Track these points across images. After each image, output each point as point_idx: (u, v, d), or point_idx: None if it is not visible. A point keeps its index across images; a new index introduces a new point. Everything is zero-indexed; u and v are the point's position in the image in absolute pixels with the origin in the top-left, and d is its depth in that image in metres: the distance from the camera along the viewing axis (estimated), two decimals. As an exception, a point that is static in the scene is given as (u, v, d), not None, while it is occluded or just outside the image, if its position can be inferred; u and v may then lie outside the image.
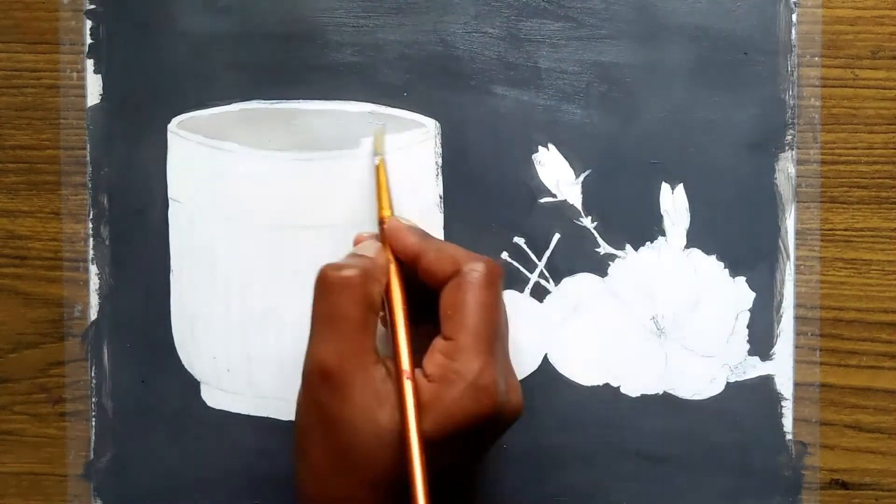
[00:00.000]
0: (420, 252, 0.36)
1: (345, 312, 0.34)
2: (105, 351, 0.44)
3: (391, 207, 0.40)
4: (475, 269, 0.35)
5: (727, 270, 0.43)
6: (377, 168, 0.40)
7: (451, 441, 0.34)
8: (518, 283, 0.43)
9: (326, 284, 0.35)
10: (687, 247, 0.43)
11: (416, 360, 0.35)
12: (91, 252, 0.44)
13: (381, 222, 0.39)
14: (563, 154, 0.43)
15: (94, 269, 0.44)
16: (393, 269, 0.37)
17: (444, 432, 0.33)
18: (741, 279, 0.43)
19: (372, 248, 0.37)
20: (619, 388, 0.43)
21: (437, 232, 0.43)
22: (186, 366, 0.44)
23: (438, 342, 0.35)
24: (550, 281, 0.43)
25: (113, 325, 0.44)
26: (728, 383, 0.43)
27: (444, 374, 0.34)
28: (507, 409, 0.35)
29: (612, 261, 0.43)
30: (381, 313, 0.37)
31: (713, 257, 0.43)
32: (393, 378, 0.34)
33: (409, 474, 0.32)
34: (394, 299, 0.36)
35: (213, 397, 0.44)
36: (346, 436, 0.34)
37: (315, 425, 0.35)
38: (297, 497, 0.36)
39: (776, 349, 0.43)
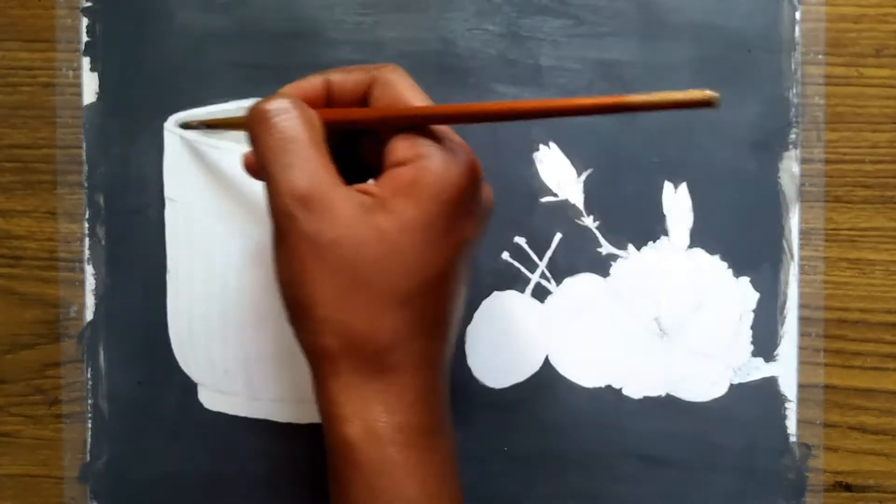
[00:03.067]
0: (327, 79, 0.35)
1: (295, 134, 0.32)
2: (101, 352, 0.44)
3: None
4: (391, 68, 0.34)
5: (730, 270, 0.43)
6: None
7: (452, 215, 0.32)
8: (519, 283, 0.43)
9: (263, 116, 0.33)
10: (690, 247, 0.43)
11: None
12: (87, 252, 0.44)
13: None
14: (564, 153, 0.43)
15: (90, 269, 0.44)
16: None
17: (443, 203, 0.32)
18: (745, 279, 0.43)
19: (286, 89, 0.35)
20: (621, 389, 0.43)
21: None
22: (183, 367, 0.43)
23: (392, 140, 0.33)
24: (552, 281, 0.43)
25: (109, 325, 0.44)
26: (731, 385, 0.43)
27: (415, 152, 0.32)
28: (481, 180, 0.34)
29: (615, 261, 0.43)
30: None
31: (716, 257, 0.43)
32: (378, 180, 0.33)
33: None
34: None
35: (211, 399, 0.43)
36: (352, 256, 0.31)
37: (308, 260, 0.32)
38: (320, 365, 0.33)
39: (780, 350, 0.43)
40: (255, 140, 0.33)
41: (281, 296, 0.33)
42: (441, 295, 0.33)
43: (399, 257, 0.31)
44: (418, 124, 0.33)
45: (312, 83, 0.35)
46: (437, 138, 0.32)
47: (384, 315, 0.32)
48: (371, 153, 0.35)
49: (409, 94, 0.33)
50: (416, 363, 0.32)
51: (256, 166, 0.33)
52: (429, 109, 0.33)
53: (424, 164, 0.32)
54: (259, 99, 0.33)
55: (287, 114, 0.32)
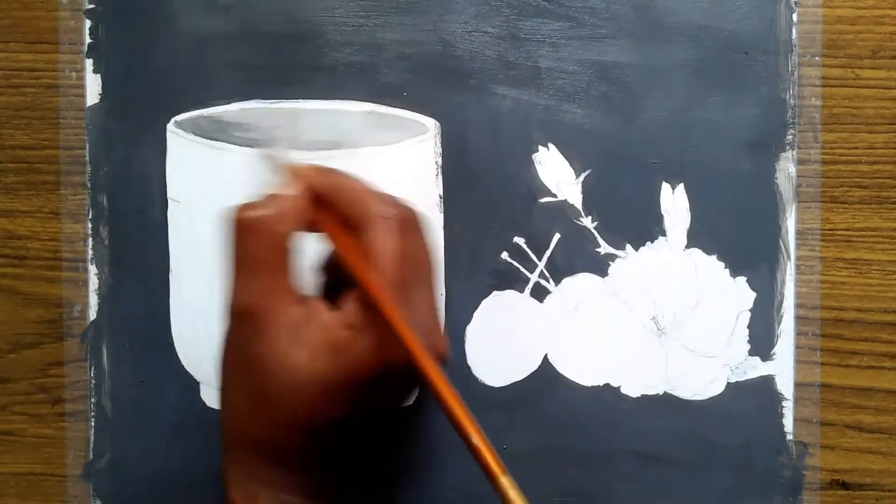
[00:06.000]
0: (334, 192, 0.35)
1: (257, 253, 0.33)
2: (104, 351, 0.44)
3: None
4: (386, 216, 0.34)
5: (728, 270, 0.43)
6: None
7: (366, 387, 0.33)
8: (518, 283, 0.43)
9: (238, 225, 0.34)
10: (687, 247, 0.43)
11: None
12: (90, 252, 0.44)
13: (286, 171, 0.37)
14: (563, 154, 0.43)
15: (93, 269, 0.44)
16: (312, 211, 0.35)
17: (355, 379, 0.33)
18: (742, 279, 0.43)
19: (289, 188, 0.35)
20: (619, 388, 0.43)
21: (437, 232, 0.43)
22: (186, 366, 0.44)
23: (353, 296, 0.34)
24: (551, 281, 0.43)
25: (112, 325, 0.44)
26: (728, 383, 0.43)
27: (357, 321, 0.33)
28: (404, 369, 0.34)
29: (613, 261, 0.43)
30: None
31: (714, 257, 0.43)
32: (315, 319, 0.33)
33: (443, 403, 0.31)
34: (335, 239, 0.35)
35: (213, 397, 0.44)
36: (263, 375, 0.33)
37: (235, 366, 0.35)
38: (222, 441, 0.36)
39: (777, 349, 0.43)
40: (228, 238, 0.34)
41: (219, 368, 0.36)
42: (336, 435, 0.34)
43: (302, 400, 0.33)
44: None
45: (319, 182, 0.35)
46: (383, 319, 0.32)
47: (278, 432, 0.34)
48: None
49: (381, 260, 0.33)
50: (303, 469, 0.35)
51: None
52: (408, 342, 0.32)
53: (358, 339, 0.33)
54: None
55: (259, 232, 0.34)
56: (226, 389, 0.35)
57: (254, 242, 0.34)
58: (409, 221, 0.35)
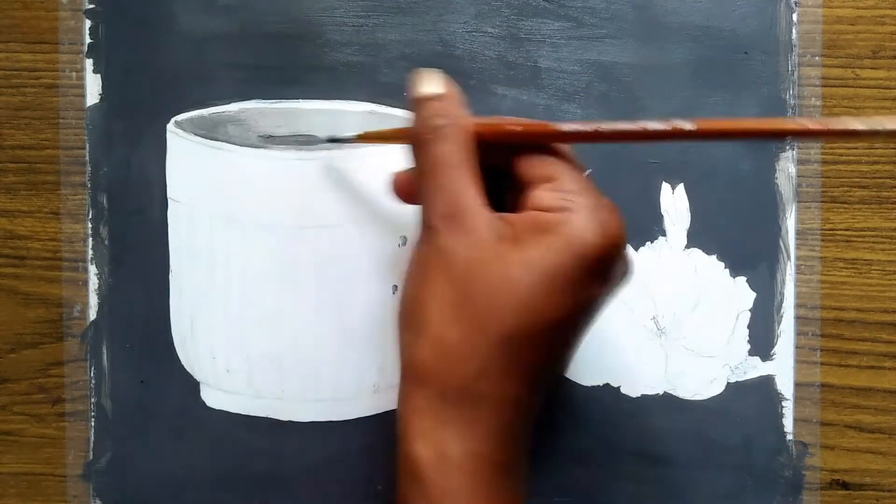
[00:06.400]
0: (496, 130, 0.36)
1: (449, 159, 0.33)
2: (104, 351, 0.44)
3: None
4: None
5: (728, 270, 0.43)
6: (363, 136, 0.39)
7: (583, 273, 0.32)
8: (518, 283, 0.43)
9: (422, 139, 0.34)
10: (687, 247, 0.43)
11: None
12: (90, 252, 0.44)
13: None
14: (563, 154, 0.43)
15: (93, 269, 0.44)
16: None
17: (577, 258, 0.32)
18: (742, 279, 0.43)
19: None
20: (619, 388, 0.43)
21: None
22: (186, 366, 0.44)
23: (539, 188, 0.34)
24: (550, 281, 0.43)
25: (112, 325, 0.44)
26: (728, 383, 0.43)
27: (561, 204, 0.32)
28: (624, 249, 0.34)
29: (613, 261, 0.43)
30: None
31: (714, 257, 0.43)
32: (506, 216, 0.33)
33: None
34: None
35: (213, 397, 0.44)
36: (470, 278, 0.32)
37: (430, 283, 0.33)
38: (403, 389, 0.33)
39: (777, 349, 0.43)
40: (414, 159, 0.35)
41: (400, 304, 0.34)
42: (545, 345, 0.32)
43: (515, 295, 0.32)
44: (573, 142, 0.34)
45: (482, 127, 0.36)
46: (586, 194, 0.33)
47: (482, 344, 0.32)
48: (524, 174, 0.35)
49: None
50: (500, 401, 0.32)
51: (403, 191, 0.37)
52: (590, 128, 0.33)
53: (569, 216, 0.32)
54: (416, 92, 0.36)
55: (443, 138, 0.34)
56: (413, 322, 0.33)
57: (443, 148, 0.34)
58: None
